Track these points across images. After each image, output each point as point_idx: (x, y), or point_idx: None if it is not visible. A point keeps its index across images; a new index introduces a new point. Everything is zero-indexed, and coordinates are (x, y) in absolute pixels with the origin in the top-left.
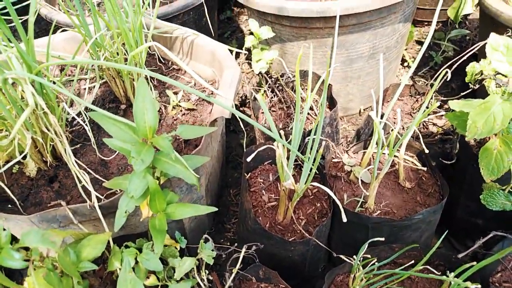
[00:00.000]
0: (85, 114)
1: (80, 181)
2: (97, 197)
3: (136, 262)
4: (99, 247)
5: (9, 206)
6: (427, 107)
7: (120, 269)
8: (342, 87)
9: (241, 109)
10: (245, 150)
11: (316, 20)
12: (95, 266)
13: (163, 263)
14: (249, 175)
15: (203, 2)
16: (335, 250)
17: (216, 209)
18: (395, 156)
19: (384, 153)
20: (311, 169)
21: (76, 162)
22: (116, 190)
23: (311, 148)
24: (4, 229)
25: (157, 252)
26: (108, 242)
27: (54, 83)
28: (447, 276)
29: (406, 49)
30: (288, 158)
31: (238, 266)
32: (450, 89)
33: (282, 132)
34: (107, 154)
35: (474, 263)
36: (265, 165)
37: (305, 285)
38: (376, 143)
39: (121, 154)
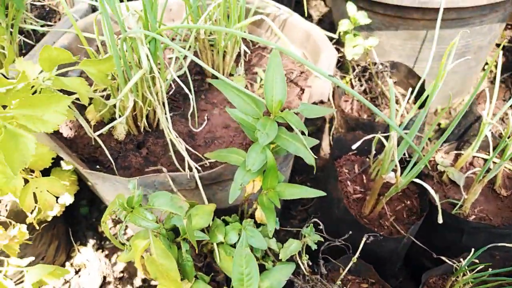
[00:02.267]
0: (179, 82)
1: (173, 149)
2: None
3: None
4: (206, 218)
5: (97, 167)
6: None
7: (222, 242)
8: (426, 83)
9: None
10: (330, 138)
11: (414, 11)
12: (206, 236)
13: None
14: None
15: None
16: (419, 251)
17: (325, 193)
18: (493, 162)
19: (482, 158)
20: (415, 164)
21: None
22: (206, 163)
23: (419, 143)
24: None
25: (271, 230)
26: None
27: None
28: None
29: None
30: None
31: (357, 254)
32: None
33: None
34: (195, 127)
35: None
36: (350, 155)
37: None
38: (478, 147)
39: (208, 127)
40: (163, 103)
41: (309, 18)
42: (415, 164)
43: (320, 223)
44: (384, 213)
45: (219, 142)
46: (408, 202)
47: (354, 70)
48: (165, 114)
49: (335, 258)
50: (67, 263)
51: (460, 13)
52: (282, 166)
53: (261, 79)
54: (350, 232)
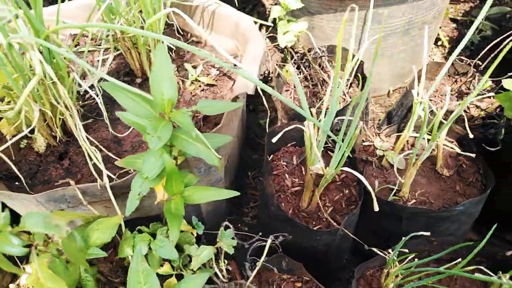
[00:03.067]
0: (99, 88)
1: (91, 159)
2: (108, 176)
3: (150, 249)
4: (109, 232)
5: (17, 183)
6: (467, 88)
7: (132, 256)
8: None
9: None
10: (267, 130)
11: None
12: (103, 253)
13: (178, 250)
14: (271, 157)
15: None
16: (362, 241)
17: (238, 193)
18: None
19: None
20: (343, 152)
21: (87, 138)
22: (129, 170)
23: (345, 130)
24: (3, 210)
25: (172, 240)
26: (120, 225)
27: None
28: (498, 276)
29: (440, 27)
30: (318, 140)
31: (263, 258)
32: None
33: (313, 110)
34: (121, 131)
35: None
36: (289, 147)
37: (327, 276)
38: (415, 126)
39: (136, 131)
40: (77, 110)
41: (263, 7)
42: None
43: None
44: (323, 205)
45: (147, 146)
46: (347, 191)
47: (292, 57)
48: (76, 122)
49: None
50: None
51: None
52: (210, 165)
53: (192, 75)
54: (286, 234)
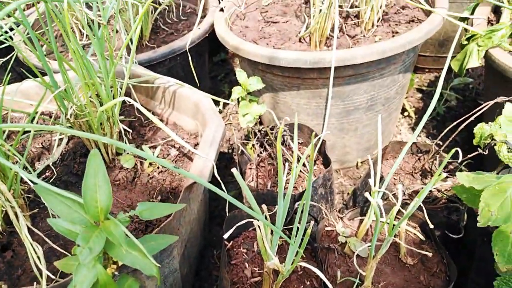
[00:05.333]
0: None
1: (33, 255)
2: (49, 277)
3: None
4: None
5: None
6: (429, 167)
7: None
8: (338, 139)
9: (230, 159)
10: (227, 216)
11: (310, 71)
12: None
13: None
14: (230, 243)
15: (189, 49)
16: None
17: None
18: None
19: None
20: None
21: (32, 229)
22: None
23: (297, 228)
24: None
25: None
26: None
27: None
28: None
29: (406, 97)
30: (272, 234)
31: None
32: (454, 142)
33: (265, 208)
34: None
35: None
36: (250, 231)
37: None
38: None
39: None
40: (24, 201)
41: (235, 75)
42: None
43: None
44: None
45: None
46: (308, 283)
47: (255, 135)
48: (17, 216)
49: None
50: None
51: (356, 69)
52: (162, 258)
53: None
54: None
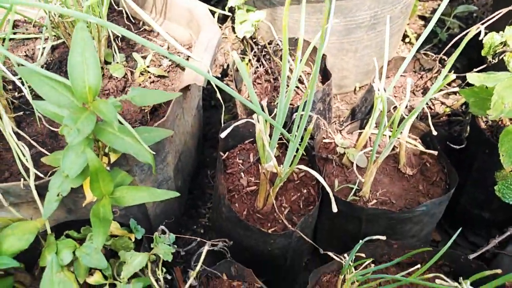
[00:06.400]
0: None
1: (19, 156)
2: (37, 175)
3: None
4: (26, 238)
5: None
6: (432, 84)
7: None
8: (337, 60)
9: (224, 81)
10: (222, 125)
11: None
12: (15, 262)
13: (114, 256)
14: (226, 154)
15: None
16: (321, 244)
17: (178, 194)
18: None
19: (384, 134)
20: (297, 149)
21: (17, 133)
22: None
23: (299, 125)
24: None
25: (96, 246)
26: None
27: None
28: (459, 282)
29: (408, 24)
30: (271, 136)
31: (200, 264)
32: (454, 69)
33: (264, 103)
34: (58, 125)
35: (499, 271)
36: (246, 144)
37: (286, 280)
38: (376, 122)
39: None
40: (8, 101)
41: None
42: (297, 150)
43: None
44: (280, 205)
45: None
46: (305, 191)
47: (252, 49)
48: (1, 113)
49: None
50: None
51: None
52: (156, 163)
53: (141, 65)
54: (226, 240)
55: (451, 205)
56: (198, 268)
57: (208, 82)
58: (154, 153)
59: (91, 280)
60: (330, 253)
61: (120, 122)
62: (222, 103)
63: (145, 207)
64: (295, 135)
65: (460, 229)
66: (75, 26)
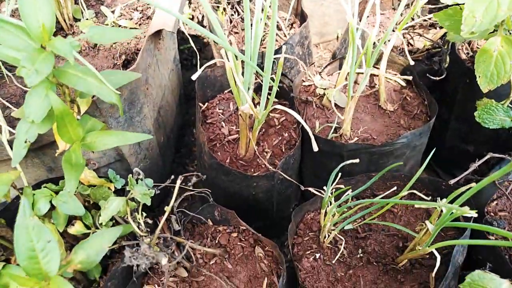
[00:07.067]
0: None
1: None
2: (11, 132)
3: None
4: (1, 188)
5: None
6: (411, 21)
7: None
8: (317, 6)
9: (198, 36)
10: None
11: None
12: None
13: (96, 207)
14: (205, 105)
15: None
16: (307, 186)
17: (151, 136)
18: (374, 75)
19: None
20: (271, 88)
21: None
22: None
23: (273, 63)
24: None
25: (70, 190)
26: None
27: None
28: (435, 201)
29: None
30: (243, 74)
31: (172, 202)
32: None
33: (233, 39)
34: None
35: (471, 185)
36: (225, 93)
37: (275, 226)
38: (352, 56)
39: None
40: None
41: None
42: (271, 88)
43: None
44: (262, 151)
45: None
46: (286, 135)
47: None
48: None
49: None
50: None
51: None
52: (132, 114)
53: (110, 19)
54: (199, 174)
55: (437, 142)
56: (172, 203)
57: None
58: (119, 92)
59: (73, 230)
60: (311, 189)
61: (81, 64)
62: (195, 49)
63: (128, 163)
64: (268, 73)
65: (433, 151)
66: None
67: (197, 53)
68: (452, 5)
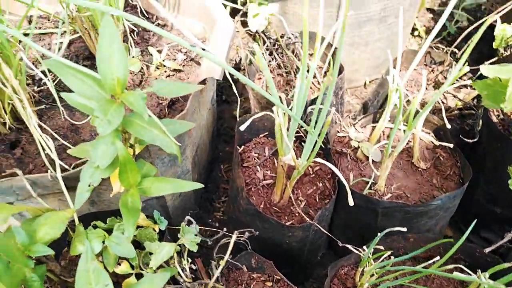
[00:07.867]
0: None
1: (43, 148)
2: (62, 167)
3: (105, 246)
4: (58, 227)
5: None
6: (444, 78)
7: None
8: (348, 54)
9: (234, 77)
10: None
11: None
12: (50, 250)
13: (139, 247)
14: (242, 148)
15: None
16: (337, 237)
17: (202, 185)
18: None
19: (399, 128)
20: (315, 142)
21: (40, 126)
22: (87, 160)
23: (317, 118)
24: None
25: (128, 236)
26: (74, 221)
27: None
28: (477, 275)
29: (416, 17)
30: (288, 129)
31: (228, 255)
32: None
33: (283, 96)
34: (79, 118)
35: None
36: (261, 137)
37: (301, 273)
38: (390, 116)
39: None
40: (30, 95)
41: None
42: (316, 142)
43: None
44: (296, 199)
45: None
46: (321, 185)
47: (264, 43)
48: (25, 107)
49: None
50: None
51: None
52: (174, 156)
53: (157, 59)
54: (252, 230)
55: (464, 201)
56: (226, 258)
57: (223, 78)
58: (179, 144)
59: (119, 269)
60: (349, 246)
61: (148, 115)
62: (238, 96)
63: (164, 200)
64: (314, 127)
65: (475, 222)
66: (95, 19)
67: (238, 97)
68: None
